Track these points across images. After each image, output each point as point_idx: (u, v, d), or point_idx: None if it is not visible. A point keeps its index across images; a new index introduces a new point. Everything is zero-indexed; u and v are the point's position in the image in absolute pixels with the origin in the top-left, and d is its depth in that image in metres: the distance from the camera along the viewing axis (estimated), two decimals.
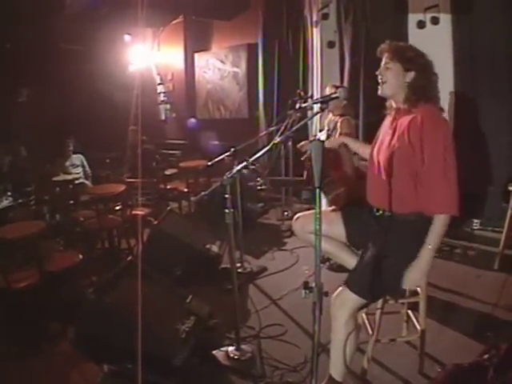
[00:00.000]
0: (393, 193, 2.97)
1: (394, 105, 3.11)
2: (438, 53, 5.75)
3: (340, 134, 5.41)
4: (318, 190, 2.19)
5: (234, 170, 3.43)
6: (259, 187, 4.52)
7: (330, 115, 5.88)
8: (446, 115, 3.57)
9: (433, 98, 2.96)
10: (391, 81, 3.01)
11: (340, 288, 2.96)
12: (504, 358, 2.79)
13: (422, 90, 2.92)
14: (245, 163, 3.44)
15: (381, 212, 3.09)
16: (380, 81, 3.07)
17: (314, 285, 2.24)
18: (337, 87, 5.67)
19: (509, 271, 5.03)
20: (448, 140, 2.79)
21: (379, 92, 3.10)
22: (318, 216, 2.21)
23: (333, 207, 3.73)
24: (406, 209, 2.94)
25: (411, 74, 2.94)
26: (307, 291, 2.25)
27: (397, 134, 2.97)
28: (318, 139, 2.23)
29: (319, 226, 2.21)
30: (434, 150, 2.76)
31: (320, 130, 6.57)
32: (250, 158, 3.46)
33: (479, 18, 6.01)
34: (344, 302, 2.90)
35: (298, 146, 6.05)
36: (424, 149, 2.79)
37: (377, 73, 3.10)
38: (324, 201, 5.35)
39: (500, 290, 4.66)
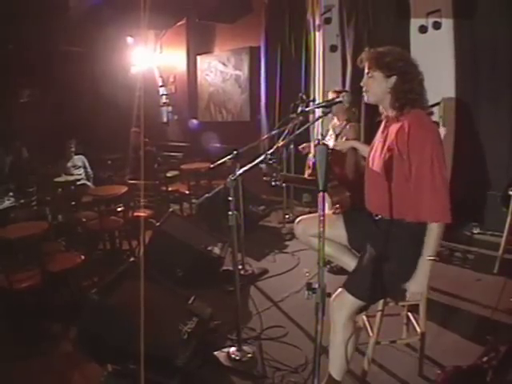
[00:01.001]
0: (387, 200, 2.99)
1: (384, 112, 3.14)
2: (439, 57, 5.80)
3: (347, 139, 5.46)
4: (322, 194, 2.22)
5: (238, 173, 3.45)
6: (274, 183, 4.49)
7: (335, 120, 5.91)
8: (434, 118, 3.45)
9: (418, 101, 2.93)
10: (374, 89, 3.01)
11: (339, 290, 2.98)
12: (503, 360, 2.80)
13: (404, 94, 2.90)
14: (263, 157, 3.43)
15: (379, 216, 3.12)
16: (364, 90, 3.08)
17: (317, 286, 2.26)
18: (338, 92, 5.72)
19: (508, 275, 5.04)
20: (435, 147, 2.77)
21: (365, 99, 3.12)
22: (321, 219, 2.23)
23: (334, 208, 3.75)
24: (401, 215, 2.96)
25: (392, 80, 2.92)
26: (310, 292, 2.27)
27: (387, 142, 2.98)
28: (323, 143, 2.23)
29: (323, 229, 2.23)
30: (421, 158, 2.77)
31: (322, 135, 6.56)
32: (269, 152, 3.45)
33: (481, 23, 6.03)
34: (342, 304, 2.91)
35: (300, 147, 6.07)
36: (411, 158, 2.80)
37: (361, 83, 3.11)
38: (326, 204, 5.40)
39: (499, 294, 4.67)
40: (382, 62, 2.93)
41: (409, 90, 2.89)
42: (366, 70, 3.04)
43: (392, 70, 2.91)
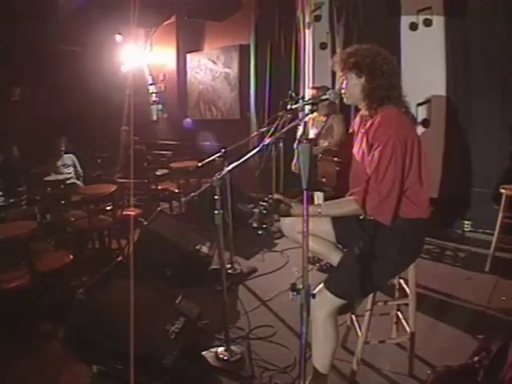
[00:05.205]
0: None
1: (362, 110, 3.10)
2: (430, 55, 5.79)
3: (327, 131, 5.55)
4: (305, 192, 2.18)
5: (223, 172, 3.42)
6: (260, 232, 4.19)
7: (314, 115, 5.90)
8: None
9: (389, 98, 2.86)
10: (350, 91, 2.99)
11: (319, 287, 2.95)
12: (494, 359, 2.79)
13: (374, 92, 2.85)
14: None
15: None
16: (342, 92, 3.06)
17: (301, 287, 2.23)
18: (317, 88, 5.76)
19: (500, 273, 5.04)
20: (397, 147, 2.68)
21: (344, 101, 3.09)
22: (305, 218, 2.19)
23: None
24: None
25: (363, 79, 2.89)
26: (294, 293, 2.23)
27: (364, 143, 2.93)
28: (307, 141, 2.19)
29: (307, 228, 2.20)
30: (379, 154, 2.71)
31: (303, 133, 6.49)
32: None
33: (472, 21, 6.02)
34: (323, 302, 2.88)
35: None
36: (374, 153, 2.76)
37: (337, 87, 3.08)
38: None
39: (490, 292, 4.67)
40: (350, 63, 2.89)
41: (378, 86, 2.84)
42: (340, 73, 3.01)
43: (361, 70, 2.87)
